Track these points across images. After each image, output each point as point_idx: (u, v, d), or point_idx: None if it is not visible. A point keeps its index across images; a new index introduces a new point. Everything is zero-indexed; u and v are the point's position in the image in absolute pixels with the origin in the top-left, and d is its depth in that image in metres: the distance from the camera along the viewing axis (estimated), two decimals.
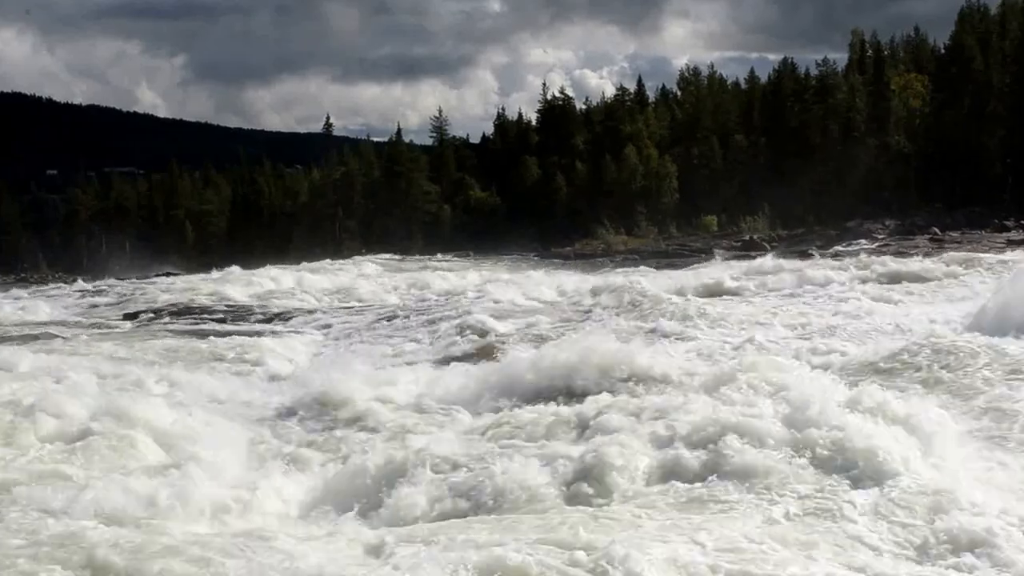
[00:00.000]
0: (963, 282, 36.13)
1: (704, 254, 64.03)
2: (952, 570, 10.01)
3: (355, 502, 13.09)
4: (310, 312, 39.44)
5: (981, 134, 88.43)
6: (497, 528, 11.07)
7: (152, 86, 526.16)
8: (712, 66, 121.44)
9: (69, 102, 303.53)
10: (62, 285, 70.67)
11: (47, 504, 12.22)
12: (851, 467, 12.16)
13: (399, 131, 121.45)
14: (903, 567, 10.05)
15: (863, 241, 62.46)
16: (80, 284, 64.78)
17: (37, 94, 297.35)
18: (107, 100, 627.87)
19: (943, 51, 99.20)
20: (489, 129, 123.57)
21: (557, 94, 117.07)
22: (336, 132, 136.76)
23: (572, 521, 11.12)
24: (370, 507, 12.87)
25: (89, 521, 11.60)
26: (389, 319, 34.17)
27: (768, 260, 45.93)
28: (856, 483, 11.86)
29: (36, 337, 33.15)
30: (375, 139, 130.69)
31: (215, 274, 60.44)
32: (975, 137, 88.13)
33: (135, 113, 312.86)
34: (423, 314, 34.11)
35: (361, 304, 42.29)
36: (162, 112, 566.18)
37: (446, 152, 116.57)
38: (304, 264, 66.15)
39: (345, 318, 36.53)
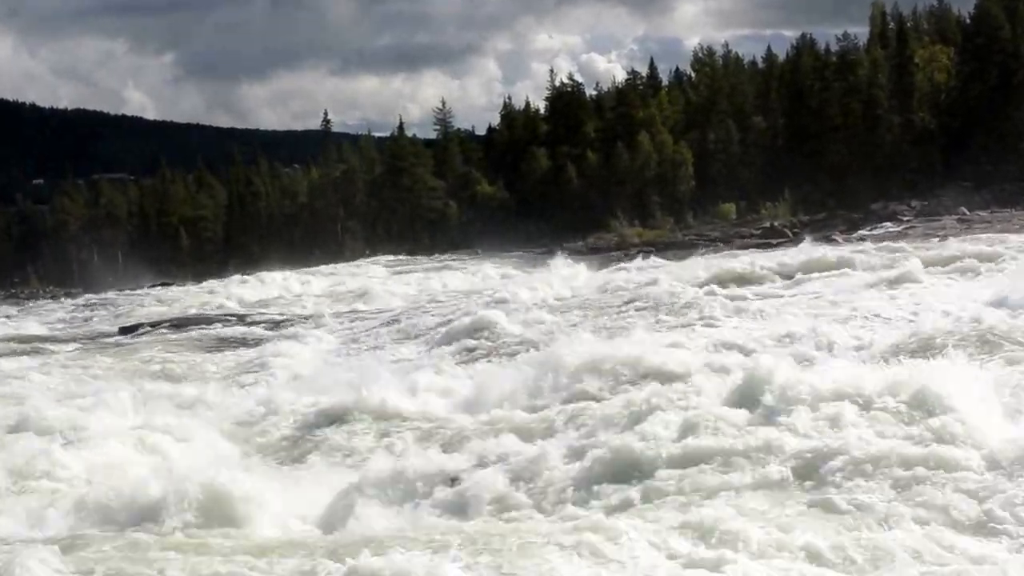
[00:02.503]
0: None
1: (723, 244, 64.05)
2: None
3: (371, 509, 13.53)
4: (316, 317, 39.81)
5: (1009, 107, 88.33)
6: (526, 530, 11.54)
7: (140, 86, 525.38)
8: (727, 45, 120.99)
9: (54, 106, 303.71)
10: (55, 299, 71.16)
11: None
12: None
13: (401, 125, 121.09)
14: None
15: (888, 224, 62.59)
16: (77, 298, 65.34)
17: (20, 99, 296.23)
18: (93, 103, 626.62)
19: (968, 21, 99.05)
20: (495, 120, 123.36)
21: (565, 80, 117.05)
22: (334, 128, 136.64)
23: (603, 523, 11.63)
24: (389, 513, 13.31)
25: (108, 530, 12.11)
26: (397, 321, 34.53)
27: None
28: None
29: (29, 353, 33.64)
30: (376, 134, 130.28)
31: (213, 282, 60.81)
32: (1003, 111, 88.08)
33: (123, 116, 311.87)
34: (432, 315, 34.47)
35: (368, 307, 42.65)
36: (151, 114, 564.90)
37: (450, 145, 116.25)
38: (307, 267, 66.49)
39: (352, 322, 36.96)
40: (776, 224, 71.77)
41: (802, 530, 10.95)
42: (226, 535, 12.31)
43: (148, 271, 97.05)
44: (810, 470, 12.49)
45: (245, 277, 60.43)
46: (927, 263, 35.17)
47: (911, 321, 23.77)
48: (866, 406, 13.87)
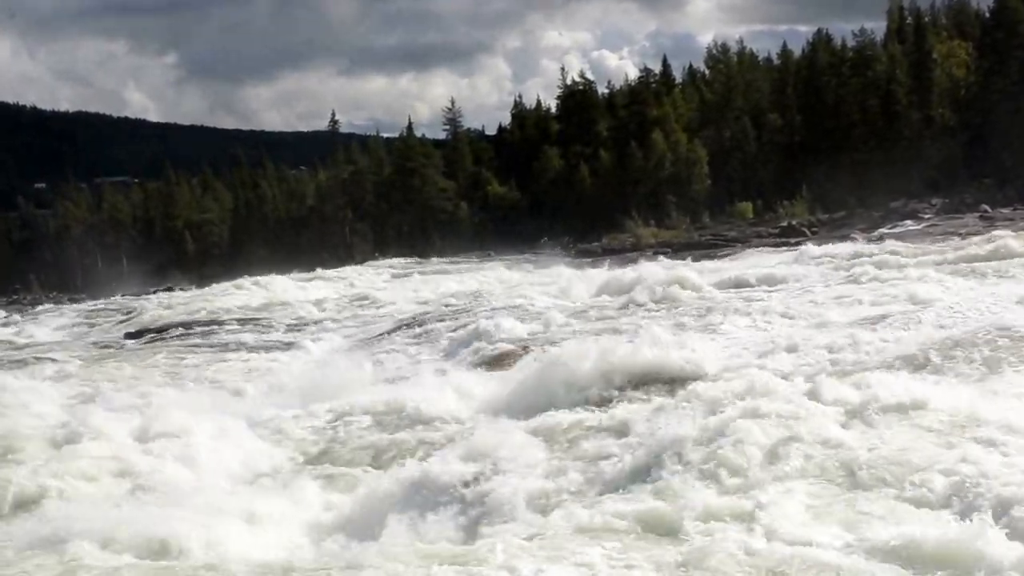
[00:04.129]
0: None
1: (740, 243, 63.98)
2: None
3: (382, 516, 13.54)
4: (322, 322, 39.84)
5: None
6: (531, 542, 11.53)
7: (142, 88, 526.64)
8: (741, 41, 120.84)
9: (55, 109, 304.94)
10: (59, 305, 71.25)
11: (62, 527, 12.68)
12: None
13: (410, 125, 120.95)
14: None
15: (908, 222, 62.53)
16: (81, 304, 65.47)
17: (20, 102, 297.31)
18: (95, 105, 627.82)
19: (988, 15, 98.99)
20: (505, 119, 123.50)
21: (576, 78, 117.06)
22: (341, 129, 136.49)
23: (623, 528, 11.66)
24: (396, 521, 13.30)
25: (96, 547, 12.07)
26: (406, 326, 34.48)
27: None
28: None
29: (36, 360, 33.69)
30: (384, 134, 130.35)
31: (220, 286, 60.83)
32: None
33: (126, 118, 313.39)
34: (442, 320, 34.40)
35: (376, 311, 42.66)
36: (154, 115, 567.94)
37: (460, 145, 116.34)
38: (315, 271, 66.47)
39: (360, 326, 36.97)
40: (794, 223, 71.66)
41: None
42: (238, 552, 12.31)
43: (153, 276, 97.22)
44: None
45: (252, 280, 60.32)
46: None
47: None
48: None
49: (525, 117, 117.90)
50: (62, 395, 24.24)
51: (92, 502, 14.46)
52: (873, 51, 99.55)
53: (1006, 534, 10.21)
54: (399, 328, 34.42)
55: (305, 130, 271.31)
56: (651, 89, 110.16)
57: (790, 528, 11.12)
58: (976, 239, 40.75)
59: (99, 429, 17.82)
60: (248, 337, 36.40)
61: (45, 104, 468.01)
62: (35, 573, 11.15)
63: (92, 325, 50.31)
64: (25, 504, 14.51)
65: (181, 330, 40.66)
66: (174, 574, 11.12)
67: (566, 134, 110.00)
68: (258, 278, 61.74)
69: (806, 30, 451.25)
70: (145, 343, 38.55)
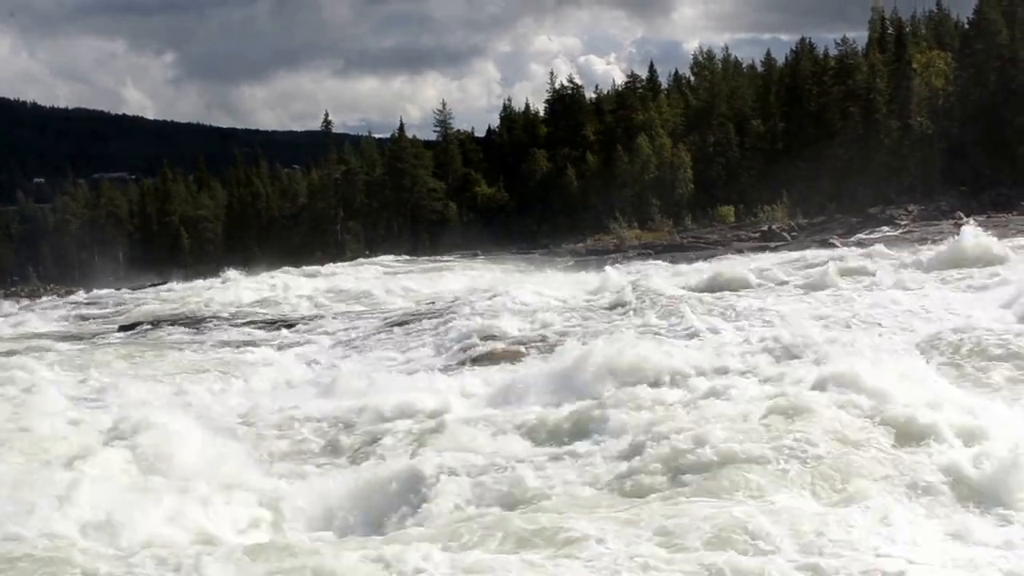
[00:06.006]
0: None
1: (721, 246, 64.15)
2: None
3: (375, 511, 13.50)
4: (314, 318, 39.70)
5: (1008, 112, 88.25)
6: (522, 533, 11.50)
7: (140, 86, 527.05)
8: (726, 48, 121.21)
9: (55, 106, 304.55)
10: (56, 297, 71.18)
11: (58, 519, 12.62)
12: None
13: (401, 126, 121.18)
14: None
15: (886, 228, 62.72)
16: (77, 296, 65.39)
17: (21, 98, 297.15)
18: (93, 103, 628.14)
19: (967, 26, 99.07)
20: (494, 121, 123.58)
21: (565, 83, 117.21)
22: (334, 129, 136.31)
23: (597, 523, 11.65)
24: (391, 515, 13.27)
25: (101, 539, 12.01)
26: (396, 324, 34.40)
27: None
28: None
29: (31, 350, 33.57)
30: (376, 135, 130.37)
31: (213, 281, 60.69)
32: (1002, 116, 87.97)
33: (123, 115, 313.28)
34: (431, 318, 34.35)
35: (367, 309, 42.55)
36: (151, 113, 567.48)
37: (450, 147, 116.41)
38: (306, 268, 66.33)
39: (351, 323, 36.81)
40: (774, 227, 71.79)
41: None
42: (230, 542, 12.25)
43: (148, 270, 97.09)
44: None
45: (245, 276, 60.26)
46: None
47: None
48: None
49: (514, 120, 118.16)
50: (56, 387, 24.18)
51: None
52: (854, 60, 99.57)
53: None
54: (391, 326, 34.35)
55: (299, 130, 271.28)
56: (637, 94, 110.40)
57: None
58: None
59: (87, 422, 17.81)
60: (241, 332, 36.35)
61: (45, 101, 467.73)
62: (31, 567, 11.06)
63: (85, 318, 50.14)
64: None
65: (171, 325, 40.48)
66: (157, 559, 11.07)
67: (554, 137, 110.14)
68: (252, 274, 61.67)
69: (789, 39, 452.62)
70: (135, 336, 38.48)
